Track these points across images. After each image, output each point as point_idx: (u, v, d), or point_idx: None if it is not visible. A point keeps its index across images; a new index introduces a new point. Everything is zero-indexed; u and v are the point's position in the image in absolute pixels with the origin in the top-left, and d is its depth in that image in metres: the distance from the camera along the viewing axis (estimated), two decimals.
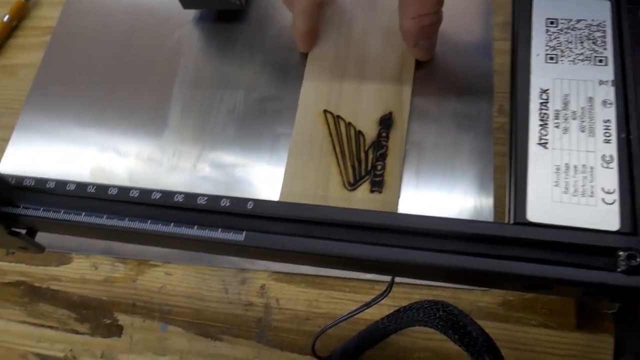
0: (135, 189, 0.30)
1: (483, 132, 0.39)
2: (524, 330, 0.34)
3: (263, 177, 0.41)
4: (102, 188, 0.31)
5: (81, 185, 0.31)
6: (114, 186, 0.31)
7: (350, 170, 0.38)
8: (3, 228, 0.32)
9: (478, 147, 0.39)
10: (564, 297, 0.34)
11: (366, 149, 0.38)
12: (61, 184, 0.31)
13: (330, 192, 0.37)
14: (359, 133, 0.39)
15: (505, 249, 0.26)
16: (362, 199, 0.36)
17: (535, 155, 0.27)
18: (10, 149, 0.46)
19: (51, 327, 0.40)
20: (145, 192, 0.30)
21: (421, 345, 0.35)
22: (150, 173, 0.43)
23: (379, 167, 0.37)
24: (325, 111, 0.40)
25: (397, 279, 0.32)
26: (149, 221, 0.29)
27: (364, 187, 0.37)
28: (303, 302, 0.37)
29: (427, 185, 0.38)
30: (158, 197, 0.30)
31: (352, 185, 0.37)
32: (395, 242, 0.27)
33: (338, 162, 0.38)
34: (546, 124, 0.28)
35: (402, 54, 0.41)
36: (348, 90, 0.41)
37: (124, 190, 0.30)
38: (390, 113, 0.39)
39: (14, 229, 0.32)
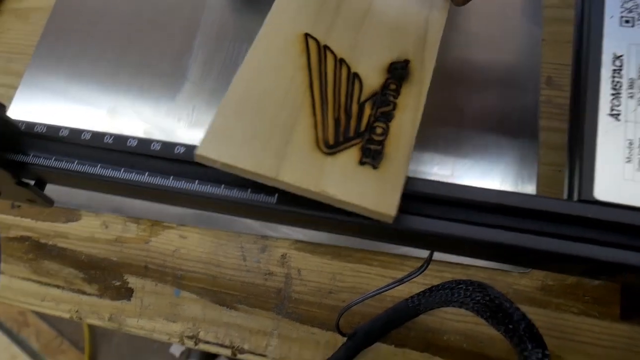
0: (157, 141, 0.28)
1: (529, 104, 0.37)
2: (564, 317, 0.32)
3: None
4: (121, 139, 0.28)
5: (97, 135, 0.28)
6: (133, 137, 0.28)
7: (331, 125, 0.25)
8: (11, 178, 0.29)
9: (522, 120, 0.36)
10: (628, 284, 0.31)
11: (362, 99, 0.26)
12: (76, 132, 0.29)
13: (293, 149, 0.24)
14: (353, 76, 0.27)
15: (567, 228, 0.23)
16: (343, 172, 0.24)
17: (605, 127, 0.24)
18: (18, 97, 0.44)
19: (57, 286, 0.38)
20: (168, 146, 0.27)
21: (451, 327, 0.33)
22: (167, 129, 0.40)
23: (379, 131, 0.25)
24: (306, 35, 0.28)
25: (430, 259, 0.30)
26: (171, 177, 0.27)
27: (350, 154, 0.24)
28: (326, 274, 0.35)
29: (467, 157, 0.36)
30: (181, 151, 0.27)
31: (331, 147, 0.24)
32: (443, 215, 0.24)
33: (314, 107, 0.25)
34: (619, 93, 0.25)
35: None
36: (349, 14, 0.29)
37: (144, 142, 0.28)
38: (407, 62, 0.28)
39: (22, 180, 0.30)
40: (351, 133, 0.25)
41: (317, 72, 0.26)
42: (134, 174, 0.27)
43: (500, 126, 0.36)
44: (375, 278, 0.35)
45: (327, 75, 0.27)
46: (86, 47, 0.44)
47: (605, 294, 0.32)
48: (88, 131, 0.28)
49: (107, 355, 1.32)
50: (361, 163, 0.24)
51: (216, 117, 0.25)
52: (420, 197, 0.25)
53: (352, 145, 0.25)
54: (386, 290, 0.31)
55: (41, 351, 1.35)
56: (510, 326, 0.29)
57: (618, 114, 0.24)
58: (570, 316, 0.32)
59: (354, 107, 0.26)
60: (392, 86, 0.27)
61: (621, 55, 0.25)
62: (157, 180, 0.27)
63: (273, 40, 0.27)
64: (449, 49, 0.39)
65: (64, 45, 0.45)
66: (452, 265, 0.34)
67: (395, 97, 0.26)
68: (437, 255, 0.34)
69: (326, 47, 0.27)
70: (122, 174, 0.27)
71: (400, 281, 0.31)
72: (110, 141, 0.28)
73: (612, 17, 0.26)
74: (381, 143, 0.25)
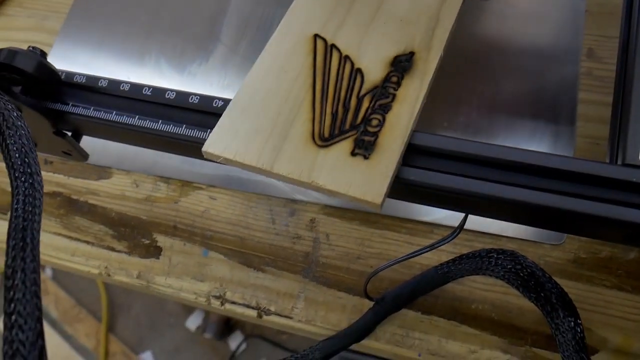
0: (195, 94, 0.28)
1: (569, 76, 0.36)
2: (596, 290, 0.32)
3: None
4: (159, 91, 0.28)
5: (136, 87, 0.28)
6: (171, 90, 0.28)
7: (328, 118, 0.26)
8: (50, 126, 0.29)
9: (562, 92, 0.35)
10: None
11: (362, 93, 0.27)
12: (114, 83, 0.29)
13: (289, 143, 0.25)
14: (356, 71, 0.27)
15: (610, 192, 0.23)
16: (334, 163, 0.24)
17: None
18: (53, 54, 0.44)
19: (87, 242, 0.38)
20: (206, 99, 0.27)
21: (480, 296, 0.33)
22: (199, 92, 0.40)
23: (374, 123, 0.25)
24: (316, 36, 0.29)
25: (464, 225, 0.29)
26: (209, 130, 0.27)
27: (343, 146, 0.25)
28: (355, 239, 0.35)
29: (501, 129, 0.35)
30: (220, 105, 0.27)
31: (326, 140, 0.25)
32: (480, 175, 0.24)
33: (313, 103, 0.26)
34: None
35: None
36: (358, 15, 0.29)
37: (182, 95, 0.28)
38: (412, 54, 0.28)
39: (60, 129, 0.30)
40: (347, 126, 0.26)
41: (321, 70, 0.27)
42: (171, 126, 0.27)
43: (538, 98, 0.36)
44: (403, 245, 0.35)
45: (331, 72, 0.27)
46: (121, 9, 0.44)
47: None
48: (127, 82, 0.29)
49: (124, 326, 1.34)
50: (353, 154, 0.25)
51: (223, 116, 0.26)
52: (459, 157, 0.24)
53: (347, 138, 0.25)
54: (416, 256, 0.31)
55: (59, 319, 1.38)
56: (542, 294, 0.28)
57: None
58: (602, 289, 0.32)
59: (353, 101, 0.26)
60: (394, 79, 0.27)
61: None
62: (195, 133, 0.27)
63: (283, 43, 0.28)
64: (487, 20, 0.39)
65: (99, 4, 0.45)
66: (481, 235, 0.34)
67: (396, 89, 0.27)
68: (468, 224, 0.33)
69: (333, 46, 0.28)
70: (159, 126, 0.27)
71: (432, 247, 0.30)
72: (148, 93, 0.28)
73: None
74: (375, 134, 0.25)
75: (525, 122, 0.35)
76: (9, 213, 0.39)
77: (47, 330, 1.35)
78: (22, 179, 0.21)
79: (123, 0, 0.45)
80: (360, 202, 0.23)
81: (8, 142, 0.21)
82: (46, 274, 1.41)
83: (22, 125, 0.22)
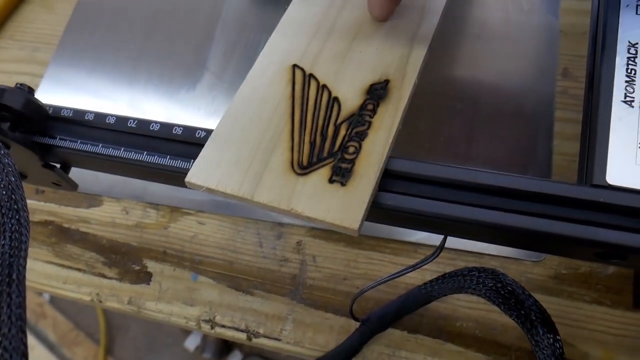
0: (179, 126, 0.29)
1: (545, 95, 0.37)
2: (576, 305, 0.32)
3: None
4: (144, 123, 0.29)
5: (121, 119, 0.29)
6: (156, 122, 0.29)
7: (306, 147, 0.26)
8: (38, 160, 0.30)
9: (539, 111, 0.36)
10: (633, 269, 0.31)
11: (339, 121, 0.27)
12: (100, 116, 0.30)
13: (269, 172, 0.26)
14: (333, 100, 0.28)
15: (579, 212, 0.24)
16: (312, 190, 0.25)
17: (619, 113, 0.25)
18: (44, 85, 0.45)
19: (78, 270, 0.39)
20: (190, 130, 0.28)
21: (464, 314, 0.33)
22: (187, 119, 0.41)
23: (351, 150, 0.26)
24: (294, 66, 0.30)
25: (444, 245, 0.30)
26: (192, 161, 0.28)
27: (321, 174, 0.26)
28: (341, 261, 0.36)
29: (480, 148, 0.36)
30: (202, 135, 0.28)
31: (304, 168, 0.26)
32: (456, 198, 0.25)
33: (292, 132, 0.27)
34: (633, 80, 0.25)
35: (422, 8, 0.32)
36: (335, 44, 0.30)
37: (166, 126, 0.29)
38: (387, 82, 0.29)
39: (49, 162, 0.31)
40: (325, 154, 0.26)
41: (299, 100, 0.28)
42: (156, 156, 0.28)
43: (515, 117, 0.37)
44: (387, 265, 0.35)
45: (309, 101, 0.28)
46: (109, 37, 0.45)
47: (618, 282, 0.32)
48: (112, 115, 0.29)
49: (122, 348, 1.34)
50: (330, 181, 0.25)
51: (205, 147, 0.27)
52: (435, 182, 0.25)
53: (324, 165, 0.26)
54: (399, 276, 0.31)
55: (58, 342, 1.37)
56: (523, 312, 0.29)
57: (632, 101, 0.25)
58: (582, 304, 0.32)
59: (330, 129, 0.27)
60: (370, 106, 0.28)
61: (636, 44, 0.26)
62: (179, 164, 0.28)
63: (263, 73, 0.30)
64: (464, 40, 0.40)
65: (88, 35, 0.46)
66: (464, 254, 0.35)
67: (372, 117, 0.27)
68: (450, 243, 0.34)
69: (311, 76, 0.29)
70: (144, 157, 0.28)
71: (414, 267, 0.31)
72: (133, 125, 0.29)
73: (628, 5, 0.27)
74: (352, 161, 0.26)
75: (503, 140, 0.36)
76: None
77: (46, 354, 1.34)
78: (9, 215, 0.21)
79: (111, 30, 0.46)
80: (338, 228, 0.24)
81: None
82: (44, 298, 1.40)
83: (9, 162, 0.23)
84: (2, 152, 0.23)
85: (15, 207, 0.22)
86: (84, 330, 1.36)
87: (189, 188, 0.27)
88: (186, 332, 1.30)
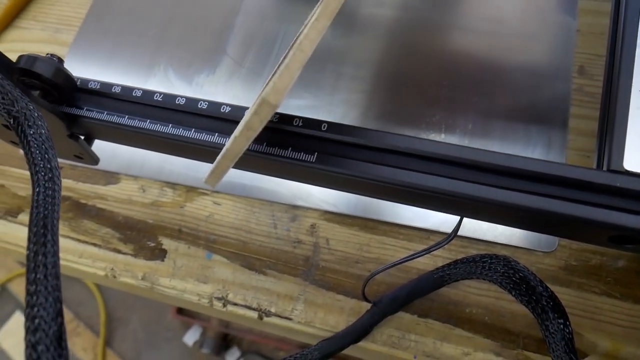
0: (204, 100, 0.29)
1: (560, 92, 0.37)
2: (585, 296, 0.33)
3: (324, 117, 0.39)
4: (170, 97, 0.30)
5: (148, 93, 0.30)
6: (181, 96, 0.29)
7: None
8: (64, 129, 0.31)
9: (554, 107, 0.37)
10: None
11: None
12: (127, 89, 0.30)
13: None
14: None
15: (596, 196, 0.24)
16: None
17: (637, 102, 0.25)
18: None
19: (94, 245, 0.39)
20: (215, 105, 0.29)
21: (474, 301, 0.34)
22: None
23: None
24: None
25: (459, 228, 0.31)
26: (216, 134, 0.28)
27: None
28: (354, 244, 0.36)
29: (495, 141, 0.37)
30: (227, 110, 0.29)
31: None
32: (475, 179, 0.25)
33: None
34: None
35: None
36: None
37: (191, 100, 0.29)
38: None
39: (74, 132, 0.31)
40: None
41: None
42: (181, 129, 0.29)
43: (530, 112, 0.37)
44: (400, 250, 0.36)
45: None
46: (131, 22, 0.46)
47: (628, 275, 0.33)
48: (139, 89, 0.30)
49: (122, 340, 1.34)
50: None
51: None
52: (455, 163, 0.26)
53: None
54: (412, 259, 0.32)
55: None
56: (534, 297, 0.30)
57: None
58: (592, 296, 0.33)
59: None
60: None
61: None
62: (203, 137, 0.28)
63: None
64: (482, 36, 0.40)
65: (110, 18, 0.47)
66: (476, 242, 0.35)
67: None
68: (462, 231, 0.35)
69: None
70: (169, 130, 0.29)
71: (428, 250, 0.32)
72: (159, 99, 0.30)
73: None
74: None
75: (518, 134, 0.37)
76: (19, 216, 0.40)
77: None
78: (42, 173, 0.22)
79: (133, 15, 0.47)
80: None
81: (29, 138, 0.23)
82: None
83: (43, 124, 0.24)
84: (36, 114, 0.24)
85: (49, 165, 0.22)
86: (84, 321, 1.36)
87: (210, 162, 0.27)
88: (185, 327, 1.31)
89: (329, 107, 0.40)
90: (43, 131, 0.24)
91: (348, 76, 0.41)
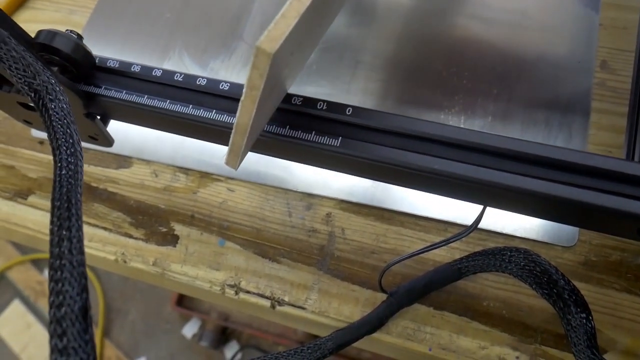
0: (226, 82, 0.29)
1: (582, 86, 0.37)
2: (605, 292, 0.32)
3: None
4: (191, 77, 0.29)
5: (168, 72, 0.29)
6: (202, 77, 0.29)
7: None
8: (81, 108, 0.30)
9: (575, 101, 0.37)
10: None
11: None
12: (147, 69, 0.30)
13: None
14: None
15: (625, 187, 0.24)
16: None
17: None
18: None
19: (104, 229, 0.39)
20: (237, 86, 0.28)
21: (491, 294, 0.33)
22: None
23: None
24: None
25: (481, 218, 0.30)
26: None
27: None
28: (370, 235, 0.36)
29: (515, 134, 0.36)
30: None
31: None
32: (502, 167, 0.25)
33: None
34: None
35: None
36: None
37: (213, 82, 0.29)
38: None
39: (91, 111, 0.31)
40: None
41: None
42: (202, 110, 0.28)
43: (551, 105, 0.37)
44: (416, 242, 0.35)
45: None
46: (146, 5, 0.46)
47: None
48: (159, 68, 0.29)
49: (120, 331, 1.33)
50: None
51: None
52: (484, 150, 0.25)
53: None
54: (431, 250, 0.32)
55: None
56: (555, 291, 0.29)
57: None
58: (612, 292, 0.32)
59: None
60: None
61: None
62: (224, 118, 0.28)
63: None
64: (504, 29, 0.40)
65: (124, 1, 0.46)
66: (495, 235, 0.35)
67: None
68: (480, 224, 0.34)
69: None
70: (190, 110, 0.28)
71: (447, 241, 0.31)
72: (180, 79, 0.29)
73: None
74: None
75: (539, 128, 0.36)
76: (29, 198, 0.39)
77: (43, 332, 1.34)
78: (64, 147, 0.21)
79: None
80: None
81: (51, 112, 0.22)
82: (44, 276, 1.40)
83: (65, 98, 0.23)
84: (58, 87, 0.23)
85: (71, 140, 0.22)
86: None
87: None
88: (184, 320, 1.30)
89: (347, 95, 0.39)
90: (65, 105, 0.23)
91: (366, 65, 0.40)
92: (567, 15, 0.40)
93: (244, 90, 0.21)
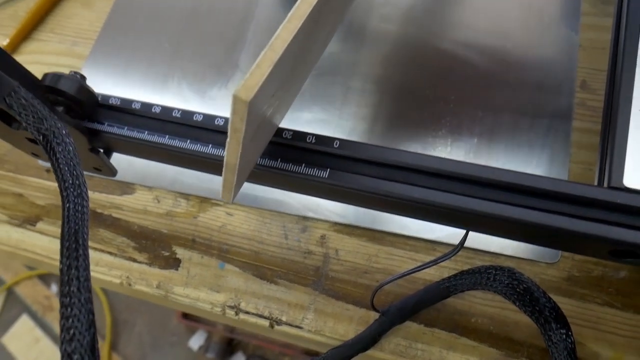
0: (221, 117, 0.30)
1: (563, 106, 0.39)
2: (588, 307, 0.34)
3: (333, 130, 0.41)
4: (188, 113, 0.31)
5: (166, 109, 0.31)
6: (199, 113, 0.31)
7: None
8: (86, 143, 0.32)
9: (557, 121, 0.38)
10: None
11: None
12: (146, 105, 0.31)
13: None
14: None
15: (596, 212, 0.25)
16: None
17: (637, 121, 0.26)
18: None
19: (110, 253, 0.41)
20: None
21: (479, 310, 0.35)
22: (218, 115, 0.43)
23: None
24: None
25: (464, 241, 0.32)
26: None
27: None
28: (362, 255, 0.37)
29: (500, 154, 0.38)
30: None
31: None
32: (480, 195, 0.27)
33: None
34: None
35: None
36: None
37: (209, 117, 0.31)
38: None
39: (95, 146, 0.33)
40: None
41: None
42: (199, 145, 0.30)
43: (534, 125, 0.38)
44: (407, 261, 0.37)
45: None
46: (145, 35, 0.48)
47: (629, 286, 0.34)
48: (158, 105, 0.31)
49: (127, 344, 1.35)
50: None
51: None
52: (463, 179, 0.27)
53: None
54: (419, 270, 0.33)
55: None
56: (537, 308, 0.31)
57: None
58: (594, 306, 0.34)
59: None
60: None
61: None
62: (219, 152, 0.30)
63: None
64: (488, 52, 0.41)
65: (125, 32, 0.48)
66: (481, 254, 0.36)
67: None
68: (468, 243, 0.36)
69: None
70: (188, 145, 0.30)
71: (435, 261, 0.33)
72: (178, 115, 0.31)
73: None
74: None
75: (522, 148, 0.38)
76: (37, 224, 0.41)
77: (51, 346, 1.36)
78: (71, 189, 0.23)
79: (148, 28, 0.48)
80: None
81: (58, 155, 0.24)
82: (52, 291, 1.42)
83: (70, 141, 0.25)
84: (64, 131, 0.25)
85: (77, 181, 0.23)
86: None
87: None
88: (190, 332, 1.32)
89: (339, 120, 0.41)
90: (71, 148, 0.25)
91: (357, 90, 0.42)
92: (548, 37, 0.41)
93: (228, 132, 0.23)
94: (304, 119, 0.41)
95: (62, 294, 0.19)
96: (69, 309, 0.19)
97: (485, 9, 0.43)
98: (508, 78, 0.41)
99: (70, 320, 0.19)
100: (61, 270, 0.20)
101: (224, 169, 0.25)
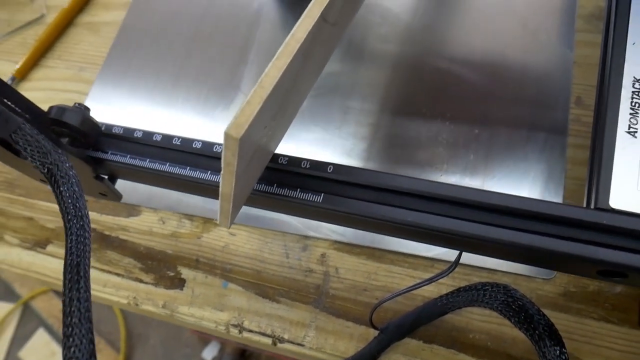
0: (219, 144, 0.31)
1: (559, 122, 0.39)
2: (584, 322, 0.34)
3: (333, 149, 0.42)
4: (187, 141, 0.32)
5: (167, 137, 0.32)
6: (198, 140, 0.32)
7: None
8: (91, 172, 0.33)
9: (552, 137, 0.39)
10: (638, 287, 0.33)
11: None
12: (148, 134, 0.33)
13: None
14: None
15: (584, 233, 0.26)
16: None
17: (623, 143, 0.27)
18: (88, 103, 0.48)
19: (117, 274, 0.42)
20: None
21: (477, 327, 0.35)
22: (221, 135, 0.44)
23: None
24: None
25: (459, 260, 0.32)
26: None
27: None
28: (362, 273, 0.38)
29: (496, 171, 0.38)
30: None
31: None
32: (471, 217, 0.27)
33: None
34: (637, 113, 0.27)
35: None
36: None
37: (207, 145, 0.32)
38: None
39: (99, 174, 0.34)
40: None
41: None
42: (198, 172, 0.31)
43: (530, 142, 0.39)
44: (405, 278, 0.38)
45: None
46: (150, 59, 0.49)
47: (625, 301, 0.34)
48: (159, 133, 0.32)
49: (142, 356, 1.37)
50: None
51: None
52: (453, 202, 0.28)
53: None
54: (417, 288, 0.34)
55: None
56: (532, 325, 0.31)
57: (635, 132, 0.27)
58: (590, 321, 0.34)
59: None
60: None
61: None
62: (218, 179, 0.31)
63: None
64: (484, 70, 0.42)
65: (130, 57, 0.50)
66: (478, 270, 0.37)
67: None
68: (464, 260, 0.37)
69: None
70: (187, 172, 0.31)
71: (431, 280, 0.33)
72: (178, 143, 0.32)
73: (634, 43, 0.29)
74: None
75: (519, 165, 0.38)
76: (47, 247, 0.43)
77: None
78: (74, 221, 0.24)
79: (152, 52, 0.49)
80: None
81: (61, 189, 0.25)
82: None
83: (74, 174, 0.26)
84: (67, 164, 0.26)
85: (79, 214, 0.25)
86: (105, 337, 1.39)
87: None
88: (204, 343, 1.33)
89: (338, 140, 0.42)
90: (74, 180, 0.26)
91: (355, 110, 0.43)
92: (543, 54, 0.42)
93: (222, 165, 0.24)
94: (303, 138, 0.42)
95: (65, 325, 0.20)
96: (71, 339, 0.20)
97: (481, 27, 0.44)
98: (504, 95, 0.41)
99: (72, 349, 0.20)
100: (64, 302, 0.21)
101: (219, 198, 0.26)
